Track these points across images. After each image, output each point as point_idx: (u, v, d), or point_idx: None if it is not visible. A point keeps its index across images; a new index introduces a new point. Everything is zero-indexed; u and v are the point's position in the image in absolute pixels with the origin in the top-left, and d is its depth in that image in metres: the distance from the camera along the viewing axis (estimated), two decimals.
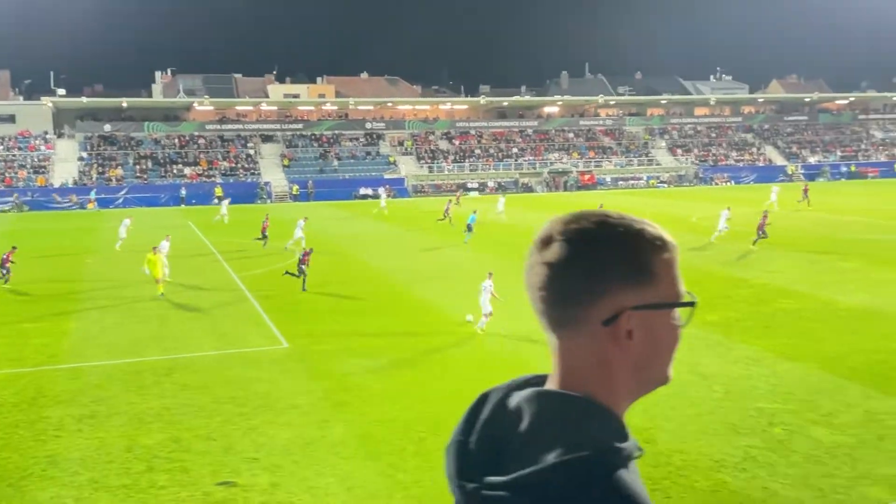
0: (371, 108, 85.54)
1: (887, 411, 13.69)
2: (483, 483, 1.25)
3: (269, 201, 54.00)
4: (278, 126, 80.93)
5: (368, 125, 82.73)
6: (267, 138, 79.45)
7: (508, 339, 19.15)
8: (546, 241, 1.38)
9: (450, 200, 47.09)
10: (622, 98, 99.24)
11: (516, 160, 79.71)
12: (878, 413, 13.62)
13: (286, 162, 75.76)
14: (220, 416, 14.22)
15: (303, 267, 25.87)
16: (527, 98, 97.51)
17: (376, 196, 72.91)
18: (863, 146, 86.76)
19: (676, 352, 1.45)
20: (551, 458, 1.22)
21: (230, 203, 53.20)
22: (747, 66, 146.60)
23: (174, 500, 10.90)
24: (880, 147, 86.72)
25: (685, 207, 50.42)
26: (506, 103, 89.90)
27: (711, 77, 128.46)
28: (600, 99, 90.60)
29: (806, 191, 49.37)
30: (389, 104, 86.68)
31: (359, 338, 19.70)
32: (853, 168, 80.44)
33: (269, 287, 26.75)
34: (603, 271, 1.34)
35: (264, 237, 36.43)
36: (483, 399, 1.39)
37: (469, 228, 37.34)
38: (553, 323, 1.38)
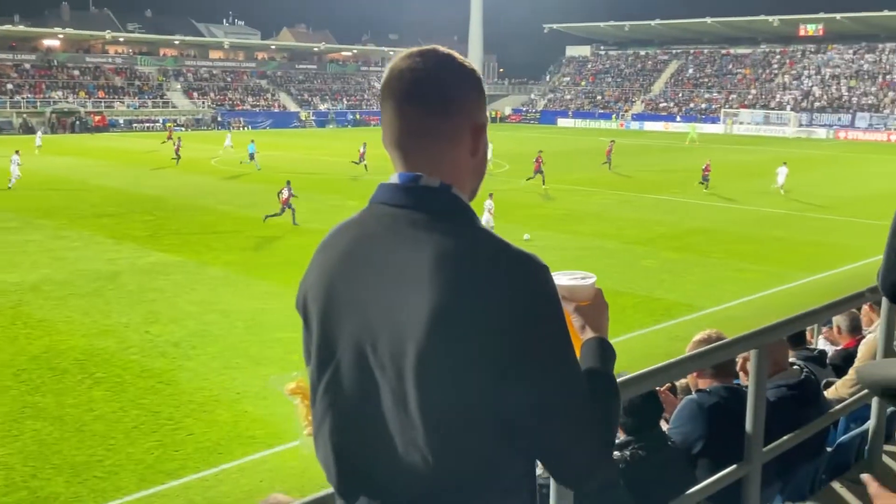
0: None
1: None
2: None
3: None
4: None
5: None
6: None
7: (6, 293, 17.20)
8: None
9: (174, 140, 43.68)
10: (133, 35, 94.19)
11: (12, 98, 71.18)
12: None
13: None
14: None
15: (287, 203, 25.28)
16: (21, 28, 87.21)
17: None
18: (366, 96, 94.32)
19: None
20: None
21: None
22: (259, 13, 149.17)
23: None
24: (379, 97, 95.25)
25: (205, 151, 49.94)
26: None
27: (224, 21, 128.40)
28: (108, 35, 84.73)
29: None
30: None
31: None
32: (358, 116, 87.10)
33: None
34: None
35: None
36: None
37: (252, 157, 40.05)
38: None
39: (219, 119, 78.08)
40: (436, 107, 1.68)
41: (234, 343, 14.29)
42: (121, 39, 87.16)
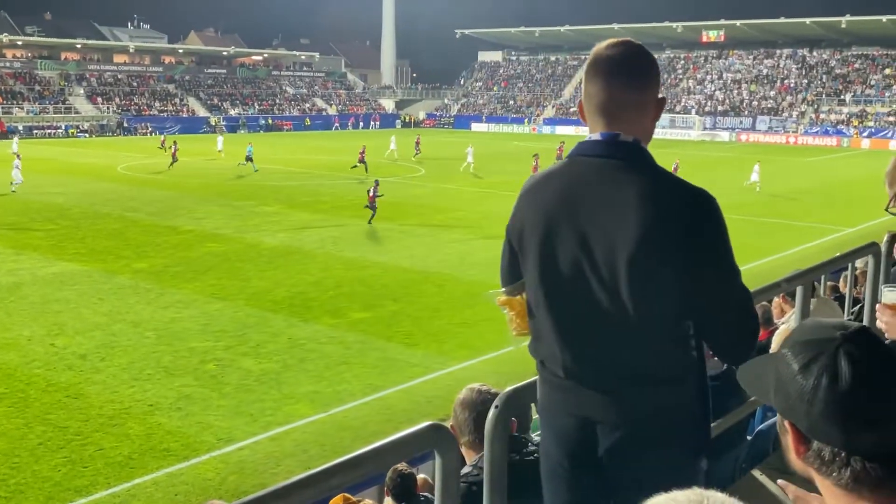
0: None
1: (307, 336, 14.98)
2: None
3: None
4: None
5: None
6: None
7: None
8: None
9: (171, 144, 44.20)
10: (32, 39, 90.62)
11: None
12: (300, 339, 14.82)
13: None
14: None
15: (372, 201, 26.52)
16: None
17: None
18: (277, 101, 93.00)
19: None
20: None
21: None
22: (166, 17, 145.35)
23: None
24: (292, 102, 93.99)
25: (110, 157, 48.39)
26: None
27: (129, 24, 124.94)
28: (5, 38, 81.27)
29: (418, 143, 51.46)
30: None
31: None
32: (270, 121, 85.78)
33: None
34: None
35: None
36: None
37: (249, 159, 41.49)
38: None
39: (125, 125, 75.75)
40: (635, 83, 2.31)
41: (145, 354, 13.83)
42: (19, 43, 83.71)
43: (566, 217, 2.27)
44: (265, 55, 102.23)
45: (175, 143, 44.45)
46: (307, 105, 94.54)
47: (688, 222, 2.18)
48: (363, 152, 41.49)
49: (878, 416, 1.36)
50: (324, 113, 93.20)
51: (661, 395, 2.28)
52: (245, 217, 28.06)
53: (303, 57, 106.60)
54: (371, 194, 26.94)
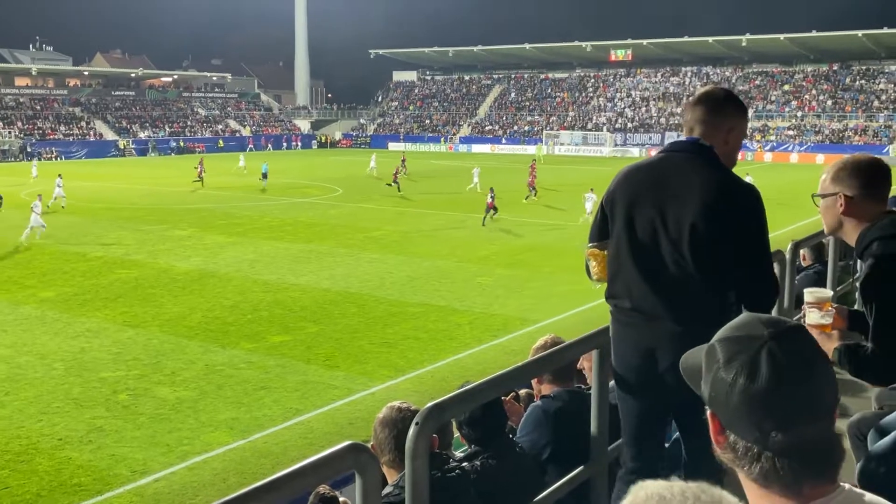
0: None
1: (224, 362, 14.64)
2: None
3: None
4: None
5: None
6: None
7: None
8: None
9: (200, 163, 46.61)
10: None
11: None
12: (217, 364, 14.48)
13: None
14: None
15: (493, 206, 30.65)
16: None
17: None
18: (189, 122, 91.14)
19: None
20: None
21: None
22: (70, 38, 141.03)
23: None
24: (204, 124, 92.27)
25: (13, 183, 46.51)
26: None
27: (31, 47, 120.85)
28: None
29: (403, 161, 51.04)
30: None
31: None
32: (182, 143, 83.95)
33: None
34: None
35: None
36: None
37: (265, 176, 44.84)
38: None
39: (28, 149, 73.00)
40: (713, 110, 3.21)
41: (54, 386, 13.29)
42: None
43: (650, 192, 3.12)
44: (175, 76, 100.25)
45: (201, 161, 46.68)
46: (220, 126, 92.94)
47: (735, 205, 3.02)
48: (396, 173, 43.30)
49: (790, 416, 1.39)
50: (237, 134, 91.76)
51: (704, 331, 2.74)
52: (157, 241, 27.34)
53: (214, 78, 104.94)
54: (489, 200, 30.68)
